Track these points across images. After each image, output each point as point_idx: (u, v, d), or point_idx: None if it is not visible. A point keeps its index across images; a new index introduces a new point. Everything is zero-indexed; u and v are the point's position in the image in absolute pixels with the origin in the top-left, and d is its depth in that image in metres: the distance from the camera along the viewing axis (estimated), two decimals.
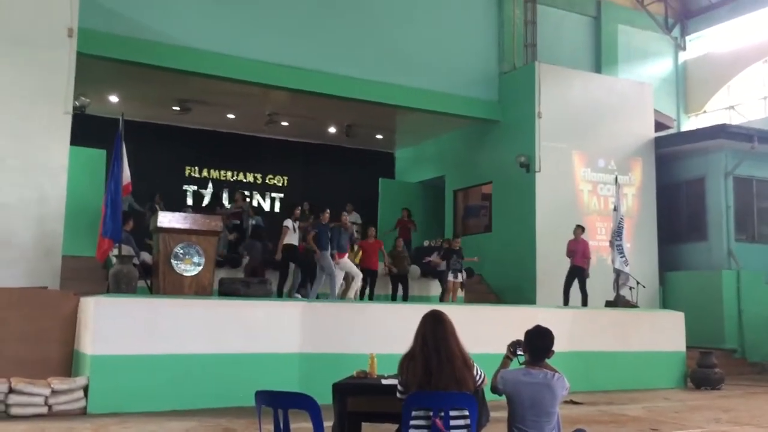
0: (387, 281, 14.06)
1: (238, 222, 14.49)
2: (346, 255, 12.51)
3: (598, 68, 18.37)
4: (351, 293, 12.48)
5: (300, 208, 13.25)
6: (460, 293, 13.99)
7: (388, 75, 15.13)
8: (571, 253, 13.57)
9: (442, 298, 13.81)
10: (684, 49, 20.78)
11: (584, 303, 13.28)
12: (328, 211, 12.60)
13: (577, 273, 13.46)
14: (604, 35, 18.73)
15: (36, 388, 7.75)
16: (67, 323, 8.80)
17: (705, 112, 20.65)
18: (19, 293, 8.88)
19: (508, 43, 16.81)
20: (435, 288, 14.54)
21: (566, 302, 13.42)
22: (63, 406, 7.84)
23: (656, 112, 17.62)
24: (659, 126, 17.70)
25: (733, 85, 20.29)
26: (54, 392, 7.81)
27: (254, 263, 12.74)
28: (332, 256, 11.97)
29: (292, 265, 12.64)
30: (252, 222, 14.53)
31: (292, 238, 12.34)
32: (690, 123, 20.66)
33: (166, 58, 13.05)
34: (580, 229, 13.74)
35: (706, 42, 20.86)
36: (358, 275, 12.52)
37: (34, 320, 8.61)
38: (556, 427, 4.33)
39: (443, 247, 14.51)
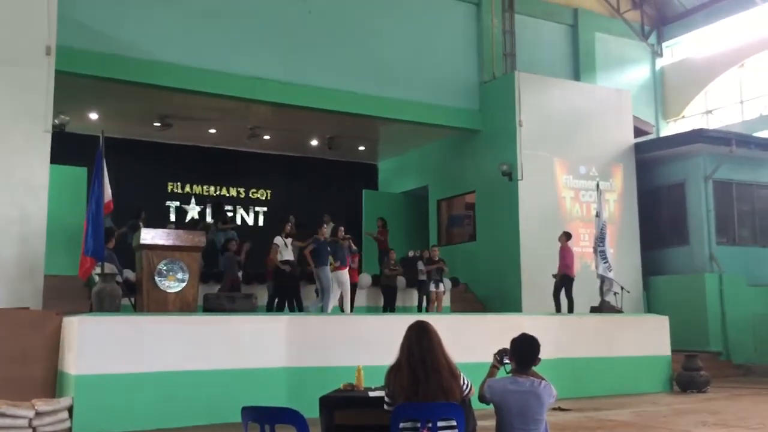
0: (376, 293, 14.06)
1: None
2: (346, 268, 12.55)
3: (576, 76, 18.53)
4: (346, 309, 12.49)
5: (290, 223, 13.17)
6: (446, 303, 14.00)
7: (369, 87, 15.18)
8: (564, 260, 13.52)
9: (422, 309, 13.79)
10: (661, 55, 21.02)
11: (570, 309, 13.33)
12: (325, 226, 12.63)
13: (566, 280, 13.50)
14: (582, 43, 18.91)
15: (20, 411, 7.64)
16: (50, 343, 8.70)
17: (683, 117, 20.88)
18: (1, 314, 8.78)
19: (487, 53, 16.92)
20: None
21: (559, 309, 13.44)
22: (47, 428, 7.73)
23: (635, 118, 17.79)
24: (639, 132, 17.86)
25: (710, 90, 20.54)
26: (38, 414, 7.70)
27: (231, 278, 12.63)
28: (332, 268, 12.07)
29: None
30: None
31: (286, 254, 12.24)
32: (669, 128, 20.87)
33: (146, 74, 13.00)
34: (566, 235, 13.76)
35: (683, 48, 21.12)
36: (347, 292, 12.55)
37: (16, 341, 8.51)
38: None
39: (423, 257, 14.50)
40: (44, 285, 10.31)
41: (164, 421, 8.25)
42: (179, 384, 8.45)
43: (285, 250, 12.25)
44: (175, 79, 13.27)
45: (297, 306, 12.26)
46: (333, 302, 12.33)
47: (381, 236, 16.35)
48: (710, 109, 20.48)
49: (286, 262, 12.14)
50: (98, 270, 9.67)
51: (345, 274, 12.61)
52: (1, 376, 8.21)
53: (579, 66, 18.75)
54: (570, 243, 13.68)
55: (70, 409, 7.91)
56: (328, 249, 12.33)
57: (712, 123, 20.01)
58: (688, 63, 20.71)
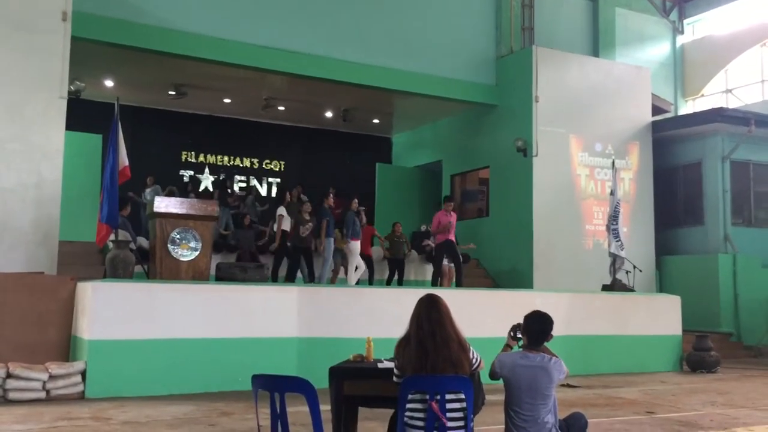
0: (383, 266, 14.09)
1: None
2: (359, 240, 12.61)
3: (595, 52, 18.30)
4: (353, 281, 12.54)
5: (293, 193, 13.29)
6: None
7: (385, 59, 15.06)
8: (445, 228, 12.60)
9: (434, 283, 13.78)
10: (682, 32, 20.70)
11: (459, 281, 12.77)
12: (331, 196, 12.67)
13: (452, 247, 12.83)
14: (602, 19, 18.65)
15: (34, 373, 7.76)
16: (64, 308, 8.80)
17: (703, 95, 20.61)
18: (17, 278, 8.88)
19: (505, 26, 16.72)
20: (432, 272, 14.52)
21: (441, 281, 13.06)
22: (61, 391, 7.86)
23: (654, 96, 17.58)
24: (657, 110, 17.67)
25: (731, 68, 20.24)
26: (52, 377, 7.82)
27: (247, 251, 12.78)
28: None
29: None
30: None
31: (287, 224, 12.36)
32: (687, 107, 20.63)
33: (162, 42, 12.97)
34: (450, 202, 13.23)
35: (704, 25, 20.79)
36: (362, 265, 12.61)
37: (31, 305, 8.61)
38: (552, 409, 4.36)
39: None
40: (59, 250, 10.40)
41: (175, 387, 8.35)
42: (191, 351, 8.53)
43: (287, 220, 12.38)
44: (190, 47, 13.22)
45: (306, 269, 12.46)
46: (328, 274, 12.45)
47: (336, 207, 15.88)
48: (730, 88, 20.20)
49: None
50: (112, 237, 9.75)
51: (357, 247, 12.68)
52: (16, 340, 8.33)
53: (598, 42, 18.51)
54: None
55: (83, 373, 8.03)
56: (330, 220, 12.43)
57: (732, 102, 19.74)
58: (709, 41, 20.39)
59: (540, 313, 4.56)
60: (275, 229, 12.61)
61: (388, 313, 8.60)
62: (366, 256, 13.35)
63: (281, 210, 12.34)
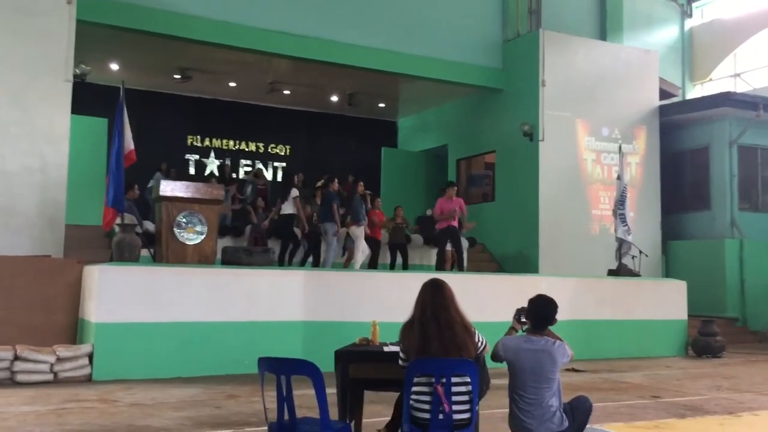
0: (386, 249, 14.08)
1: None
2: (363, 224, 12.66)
3: (603, 35, 18.13)
4: (357, 265, 12.56)
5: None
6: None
7: (391, 42, 14.97)
8: (448, 214, 12.45)
9: (438, 267, 13.74)
10: (690, 15, 20.52)
11: (461, 266, 12.77)
12: (336, 180, 12.69)
13: (454, 234, 12.65)
14: (610, 1, 18.45)
15: (41, 356, 7.82)
16: (71, 291, 8.85)
17: (711, 80, 20.46)
18: (24, 261, 8.93)
19: (512, 9, 16.59)
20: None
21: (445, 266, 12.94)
22: (68, 373, 7.92)
23: (661, 80, 17.45)
24: (664, 94, 17.54)
25: (740, 52, 20.07)
26: (59, 359, 7.88)
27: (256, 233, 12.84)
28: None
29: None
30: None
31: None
32: (695, 91, 20.48)
33: (167, 25, 12.92)
34: (454, 187, 13.09)
35: (713, 9, 20.60)
36: (366, 250, 12.63)
37: (38, 288, 8.66)
38: (557, 393, 4.37)
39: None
40: (65, 234, 10.44)
41: (182, 370, 8.40)
42: (197, 334, 8.58)
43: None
44: (195, 31, 13.17)
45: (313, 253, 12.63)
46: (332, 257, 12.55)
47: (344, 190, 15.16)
48: (739, 72, 20.04)
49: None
50: (119, 220, 9.77)
51: (361, 232, 12.67)
52: (24, 323, 8.38)
53: (606, 25, 18.33)
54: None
55: (91, 356, 8.08)
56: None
57: (741, 86, 19.58)
58: (717, 24, 20.21)
59: (544, 297, 4.56)
60: (289, 211, 12.52)
61: (393, 297, 8.60)
62: (374, 240, 13.31)
63: (295, 192, 12.36)
